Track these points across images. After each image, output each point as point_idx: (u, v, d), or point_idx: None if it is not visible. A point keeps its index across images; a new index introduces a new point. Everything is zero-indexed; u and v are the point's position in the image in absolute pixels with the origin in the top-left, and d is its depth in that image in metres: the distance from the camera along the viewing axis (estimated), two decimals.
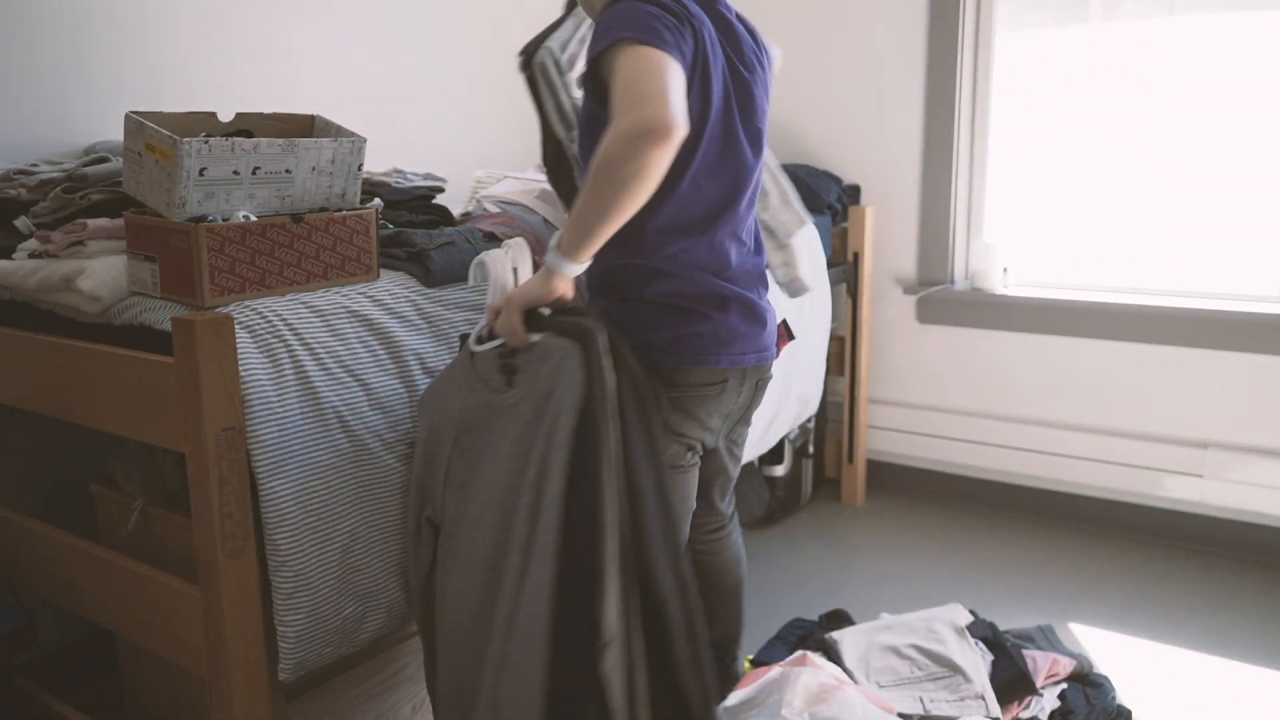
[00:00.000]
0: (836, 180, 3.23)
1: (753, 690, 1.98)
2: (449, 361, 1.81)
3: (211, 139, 1.55)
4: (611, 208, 1.42)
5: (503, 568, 1.50)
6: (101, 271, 1.66)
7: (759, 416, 2.63)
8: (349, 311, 1.68)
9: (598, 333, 1.48)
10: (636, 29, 1.46)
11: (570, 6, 2.04)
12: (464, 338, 1.65)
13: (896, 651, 2.14)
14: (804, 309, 2.80)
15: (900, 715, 1.96)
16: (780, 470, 3.12)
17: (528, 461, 1.48)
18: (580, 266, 1.52)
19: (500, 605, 1.49)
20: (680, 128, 1.38)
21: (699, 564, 1.95)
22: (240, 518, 1.52)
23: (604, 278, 1.65)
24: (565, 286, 1.54)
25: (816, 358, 2.86)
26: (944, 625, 2.20)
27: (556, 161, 2.01)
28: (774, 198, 2.32)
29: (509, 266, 1.64)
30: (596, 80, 1.52)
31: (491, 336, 1.57)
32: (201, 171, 1.54)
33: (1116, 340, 2.97)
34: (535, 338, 1.51)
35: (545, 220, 2.19)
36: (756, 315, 1.68)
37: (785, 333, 1.96)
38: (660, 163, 1.40)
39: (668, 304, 1.61)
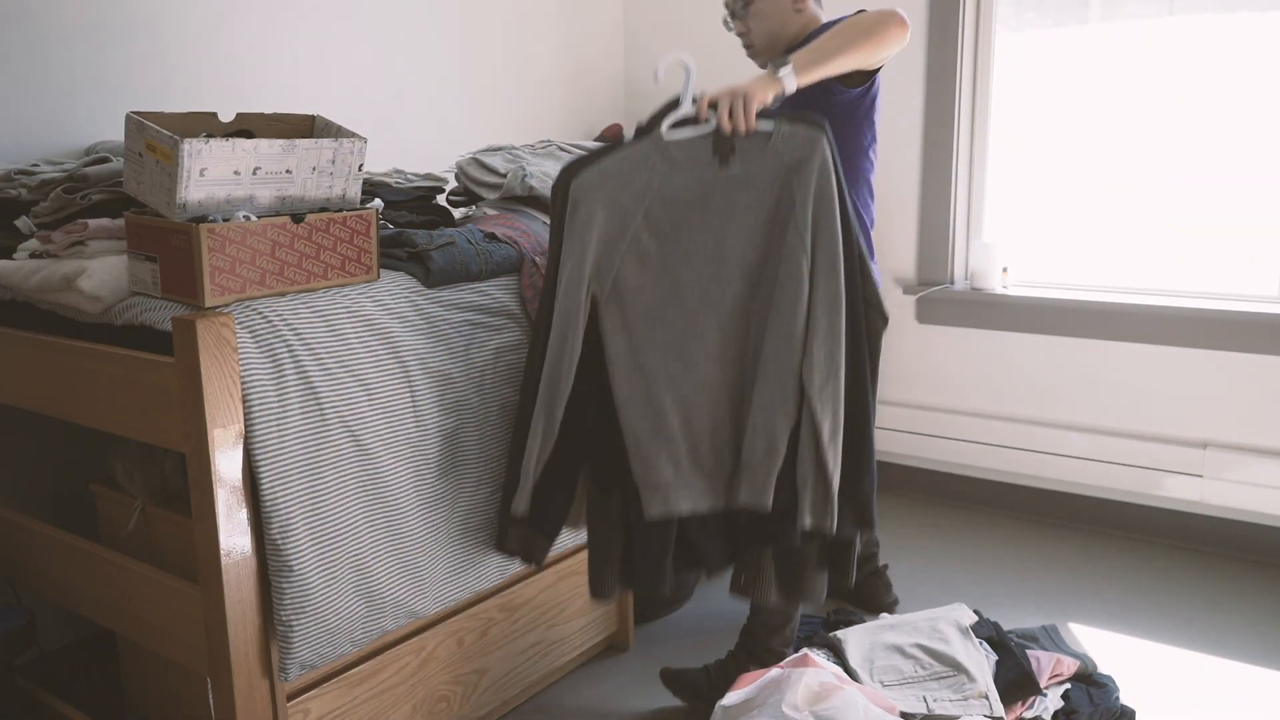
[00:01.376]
0: None
1: (752, 690, 1.97)
2: (448, 362, 1.81)
3: (212, 139, 1.55)
4: (851, 49, 1.83)
5: (783, 308, 1.75)
6: (102, 271, 1.66)
7: None
8: (349, 312, 1.68)
9: (824, 122, 1.77)
10: None
11: None
12: (642, 129, 1.79)
13: (900, 651, 2.13)
14: None
15: (903, 714, 1.96)
16: None
17: (785, 220, 1.75)
18: (795, 83, 1.79)
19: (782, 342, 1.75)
20: (910, 31, 1.89)
21: None
22: (241, 517, 1.52)
23: None
24: (775, 93, 1.78)
25: None
26: (948, 625, 2.20)
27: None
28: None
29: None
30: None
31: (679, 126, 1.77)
32: (202, 172, 1.54)
33: (1116, 340, 2.97)
34: (765, 124, 1.75)
35: (545, 223, 2.19)
36: None
37: None
38: (896, 41, 1.88)
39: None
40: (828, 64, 1.82)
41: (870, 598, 2.56)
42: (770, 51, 2.24)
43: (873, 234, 2.25)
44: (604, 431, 1.81)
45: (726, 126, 1.73)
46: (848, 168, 2.08)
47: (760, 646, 2.17)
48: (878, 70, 2.07)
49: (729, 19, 2.29)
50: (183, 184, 1.53)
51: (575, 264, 1.73)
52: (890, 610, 2.57)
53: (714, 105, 1.74)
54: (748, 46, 2.29)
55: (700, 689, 2.16)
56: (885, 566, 2.60)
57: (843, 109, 2.08)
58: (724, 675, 2.15)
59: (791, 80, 1.78)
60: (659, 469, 1.77)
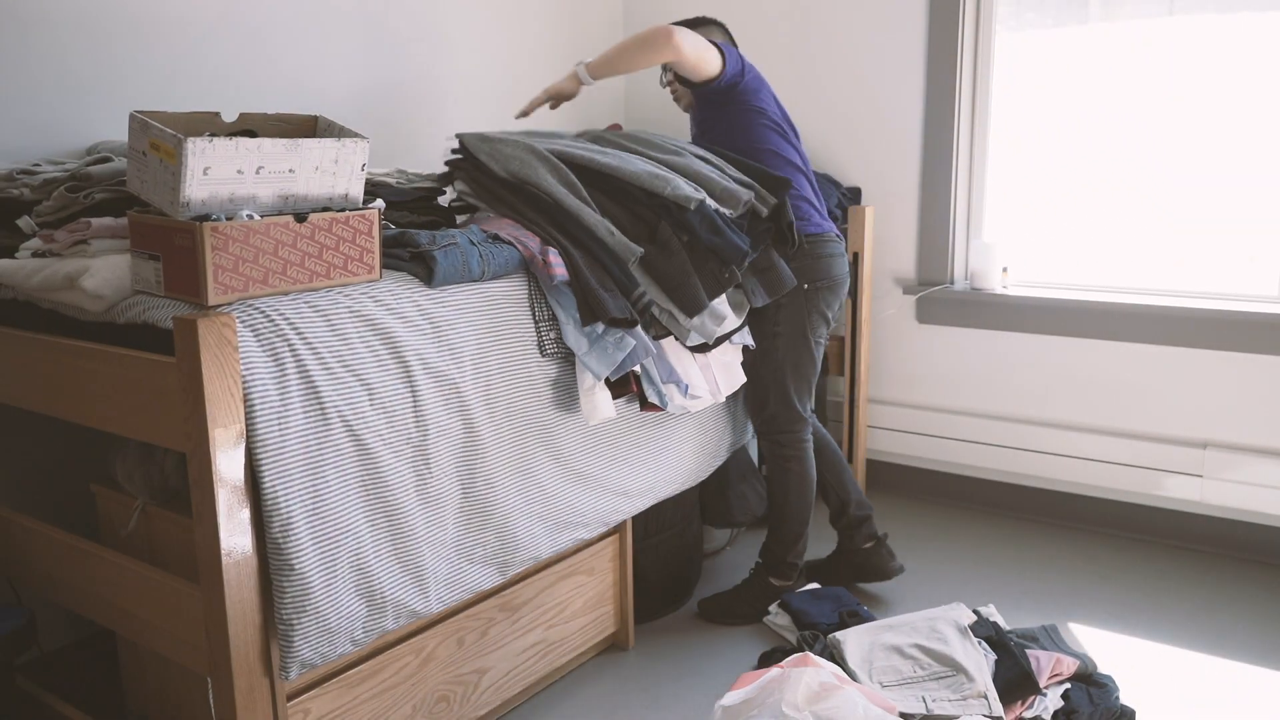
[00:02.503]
0: (836, 184, 3.23)
1: (752, 689, 1.98)
2: (450, 363, 1.81)
3: (215, 138, 1.55)
4: (624, 57, 2.37)
5: None
6: (105, 270, 1.66)
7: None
8: (351, 312, 1.67)
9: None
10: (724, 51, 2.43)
11: None
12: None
13: (899, 651, 2.14)
14: None
15: (902, 714, 1.96)
16: None
17: None
18: (590, 79, 2.42)
19: None
20: (682, 49, 2.34)
21: (819, 444, 2.64)
22: (241, 517, 1.52)
23: None
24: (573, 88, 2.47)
25: None
26: (947, 624, 2.20)
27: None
28: None
29: None
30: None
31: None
32: (205, 171, 1.54)
33: (1116, 340, 2.97)
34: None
35: None
36: None
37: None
38: (660, 54, 2.33)
39: None
40: (614, 68, 2.37)
41: (876, 568, 2.60)
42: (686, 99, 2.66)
43: (822, 205, 2.57)
44: (614, 197, 2.20)
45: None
46: (741, 144, 2.48)
47: (778, 561, 2.54)
48: (722, 70, 2.40)
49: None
50: (186, 182, 1.53)
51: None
52: (895, 575, 2.64)
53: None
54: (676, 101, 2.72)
55: (735, 609, 2.54)
56: (885, 535, 2.64)
57: (709, 100, 2.49)
58: (751, 592, 2.54)
59: (586, 77, 2.40)
60: (671, 180, 2.16)
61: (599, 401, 2.04)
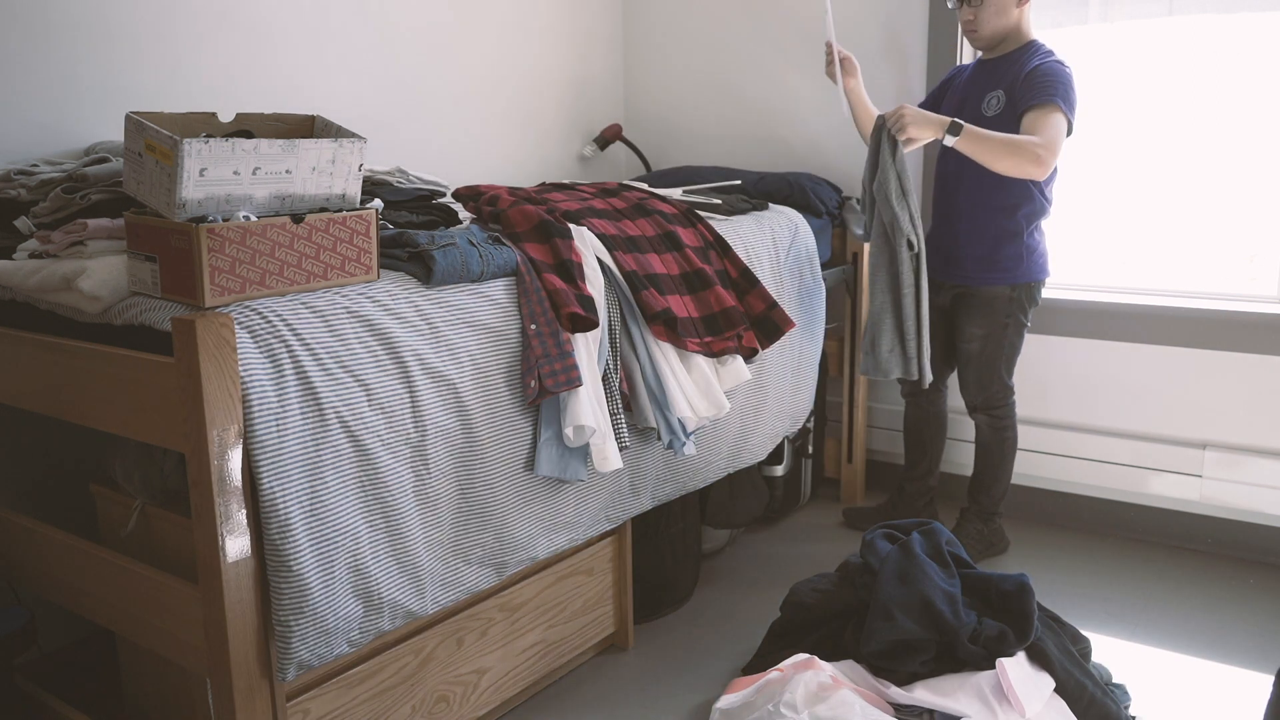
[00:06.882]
0: (837, 189, 3.22)
1: (750, 692, 1.98)
2: (448, 363, 1.82)
3: (212, 139, 1.55)
4: (998, 162, 2.48)
5: None
6: (102, 271, 1.66)
7: (755, 415, 2.63)
8: (349, 312, 1.68)
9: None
10: (1068, 102, 2.51)
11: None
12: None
13: None
14: (802, 308, 2.80)
15: (900, 715, 1.96)
16: (780, 470, 3.12)
17: None
18: (952, 145, 2.51)
19: None
20: (1047, 172, 2.51)
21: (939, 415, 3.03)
22: (240, 518, 1.52)
23: None
24: (930, 138, 2.59)
25: (812, 357, 2.87)
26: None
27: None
28: None
29: None
30: (1022, 98, 2.54)
31: None
32: (202, 172, 1.54)
33: (1116, 340, 2.97)
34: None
35: None
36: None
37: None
38: (1027, 174, 2.50)
39: None
40: (979, 157, 2.48)
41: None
42: (991, 39, 2.63)
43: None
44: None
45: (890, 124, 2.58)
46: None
47: (988, 512, 2.89)
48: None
49: (959, 5, 2.65)
50: (182, 184, 1.53)
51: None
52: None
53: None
54: (970, 32, 2.65)
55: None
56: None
57: None
58: (968, 539, 2.85)
59: (951, 144, 2.49)
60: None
61: (609, 453, 2.02)
